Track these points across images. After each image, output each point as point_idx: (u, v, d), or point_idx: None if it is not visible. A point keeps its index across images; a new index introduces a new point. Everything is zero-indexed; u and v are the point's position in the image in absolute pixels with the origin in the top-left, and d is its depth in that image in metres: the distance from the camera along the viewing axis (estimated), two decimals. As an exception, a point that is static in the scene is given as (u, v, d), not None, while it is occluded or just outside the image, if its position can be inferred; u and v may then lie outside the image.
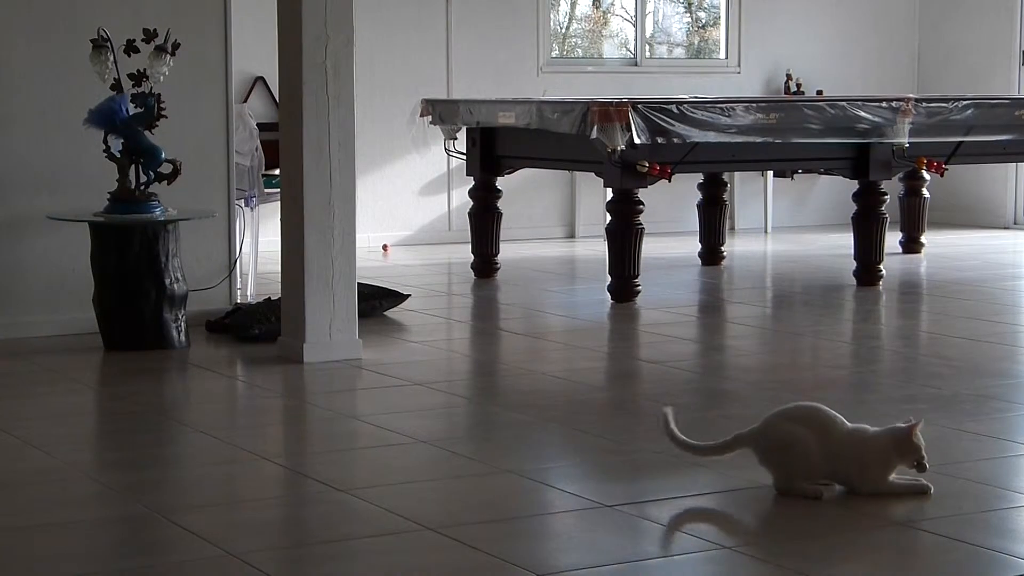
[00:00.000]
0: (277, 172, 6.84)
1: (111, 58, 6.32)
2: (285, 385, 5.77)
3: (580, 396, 5.56)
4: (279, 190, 6.32)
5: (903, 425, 4.00)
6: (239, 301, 7.20)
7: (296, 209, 6.05)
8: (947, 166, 8.55)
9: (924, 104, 8.23)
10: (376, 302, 7.22)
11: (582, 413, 5.24)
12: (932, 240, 10.14)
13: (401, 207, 10.59)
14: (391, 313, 7.30)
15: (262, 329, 6.48)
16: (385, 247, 10.30)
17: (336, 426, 5.10)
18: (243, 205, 7.63)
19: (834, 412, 4.06)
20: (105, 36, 6.33)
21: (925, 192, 9.96)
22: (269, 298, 6.83)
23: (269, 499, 4.19)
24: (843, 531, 3.76)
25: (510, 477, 4.28)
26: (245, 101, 9.61)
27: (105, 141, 6.34)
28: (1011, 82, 11.65)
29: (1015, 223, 11.68)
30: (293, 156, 6.06)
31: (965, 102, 8.39)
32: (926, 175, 9.58)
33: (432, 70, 10.54)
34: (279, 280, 6.32)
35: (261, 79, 9.83)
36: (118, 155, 6.35)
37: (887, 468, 3.99)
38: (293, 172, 6.07)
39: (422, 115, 8.87)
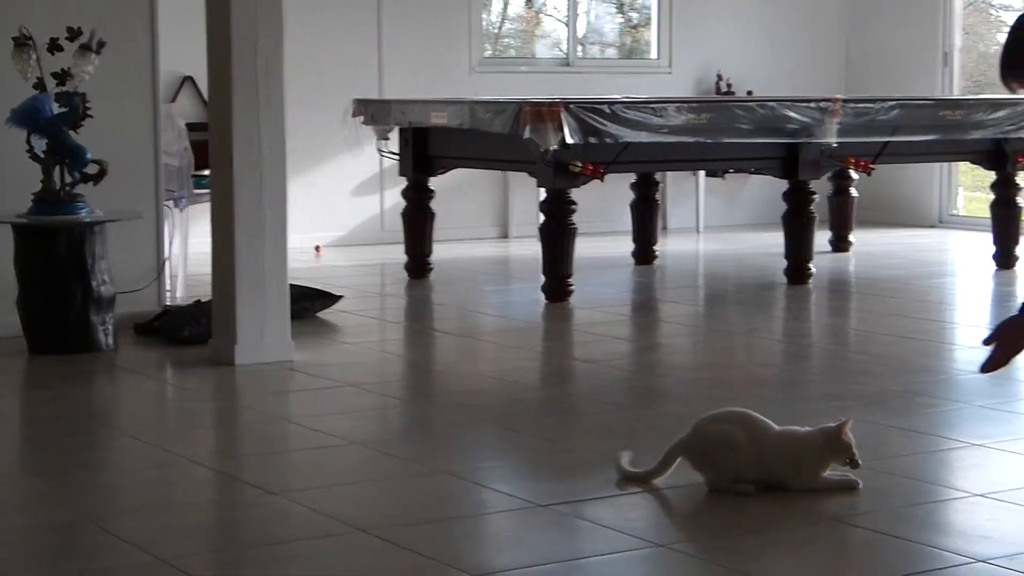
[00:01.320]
0: (207, 173, 6.80)
1: (34, 56, 6.23)
2: (216, 388, 5.73)
3: (515, 396, 5.56)
4: (209, 191, 6.28)
5: (834, 424, 4.04)
6: (168, 303, 7.15)
7: (226, 210, 6.01)
8: (874, 165, 8.62)
9: (851, 105, 8.29)
10: (308, 303, 7.19)
11: (517, 413, 5.24)
12: (860, 239, 10.22)
13: (334, 208, 10.55)
14: (324, 314, 7.28)
15: (192, 331, 6.43)
16: (318, 248, 10.25)
17: (269, 428, 5.07)
18: (172, 206, 7.58)
19: (762, 416, 4.09)
20: (27, 34, 6.25)
21: (853, 191, 10.05)
22: (199, 300, 6.79)
23: (201, 503, 4.17)
24: (775, 527, 3.78)
25: (445, 478, 4.27)
26: (173, 101, 9.55)
27: (28, 141, 6.26)
28: (935, 83, 11.77)
29: (940, 222, 11.79)
30: (223, 157, 6.02)
31: (891, 103, 8.46)
32: (854, 174, 9.66)
33: (364, 70, 10.52)
34: (209, 282, 6.28)
35: (190, 78, 9.76)
36: (42, 155, 6.27)
37: (821, 467, 4.03)
38: (223, 173, 6.03)
39: (354, 115, 8.84)
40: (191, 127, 8.13)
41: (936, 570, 3.50)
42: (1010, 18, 12.64)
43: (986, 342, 4.13)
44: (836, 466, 4.03)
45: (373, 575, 3.44)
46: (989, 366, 4.12)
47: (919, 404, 5.18)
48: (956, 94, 11.56)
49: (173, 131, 7.61)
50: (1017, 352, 4.09)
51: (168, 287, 7.32)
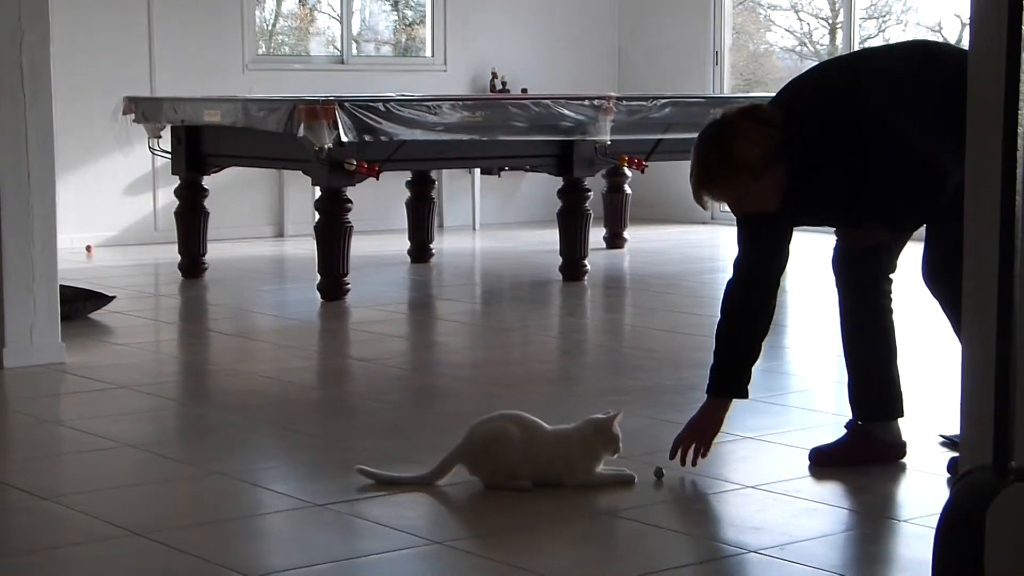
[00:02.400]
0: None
1: None
2: (-16, 392, 5.58)
3: (291, 396, 5.53)
4: (-26, 190, 6.10)
5: (601, 416, 4.09)
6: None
7: (-7, 210, 5.86)
8: (647, 163, 8.77)
9: (624, 102, 8.43)
10: (79, 304, 7.04)
11: (294, 413, 5.21)
12: (634, 236, 10.40)
13: (105, 207, 10.35)
14: (96, 316, 7.13)
15: (-42, 334, 6.25)
16: (89, 248, 10.05)
17: (39, 432, 4.95)
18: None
19: (533, 417, 4.12)
20: None
21: (627, 188, 10.21)
22: (-35, 302, 6.60)
23: (-32, 510, 4.05)
24: (552, 523, 3.82)
25: (220, 479, 4.23)
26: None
27: None
28: (706, 81, 12.03)
29: (712, 218, 12.05)
30: (-11, 155, 5.86)
31: (663, 101, 8.62)
32: (628, 172, 9.81)
33: (135, 67, 10.33)
34: (-24, 283, 6.10)
35: (-47, 75, 9.48)
36: None
37: (595, 460, 4.08)
38: (-11, 172, 5.87)
39: (125, 113, 8.69)
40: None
41: (709, 561, 3.58)
42: (779, 18, 13.00)
43: (675, 454, 4.24)
44: (607, 457, 4.09)
45: (148, 580, 3.39)
46: (688, 460, 4.24)
47: (692, 398, 5.26)
48: (727, 92, 11.83)
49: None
50: (711, 438, 4.24)
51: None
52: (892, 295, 4.34)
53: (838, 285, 4.36)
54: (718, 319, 4.28)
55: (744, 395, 4.26)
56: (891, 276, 4.33)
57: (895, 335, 4.34)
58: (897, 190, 3.99)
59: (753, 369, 4.26)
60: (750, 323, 4.21)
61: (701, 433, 4.24)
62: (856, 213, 4.10)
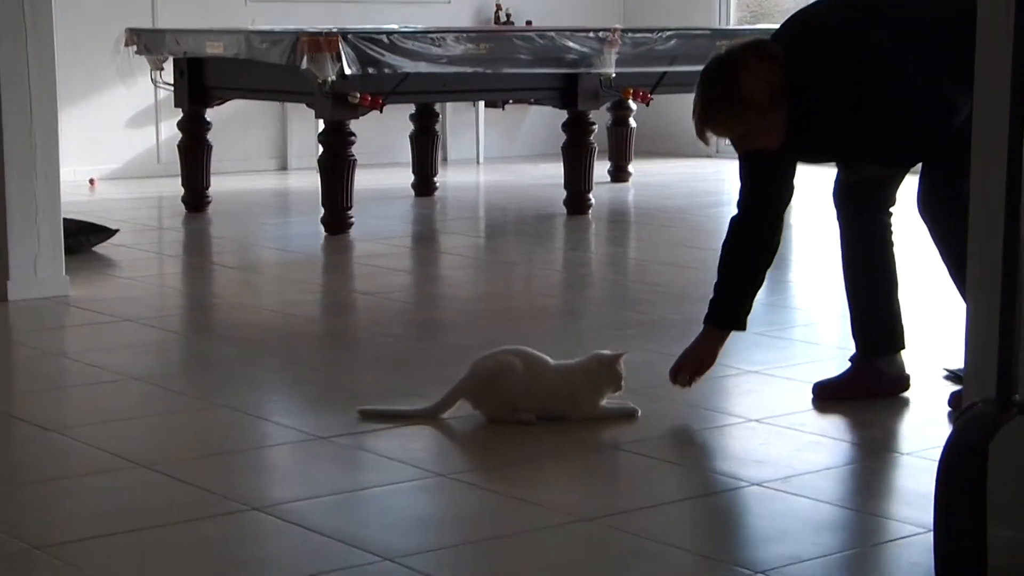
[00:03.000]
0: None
1: None
2: (-12, 324, 5.59)
3: (295, 329, 5.53)
4: (-24, 123, 6.08)
5: (608, 352, 4.09)
6: (-63, 238, 6.93)
7: (-5, 142, 5.84)
8: (652, 96, 8.73)
9: (629, 34, 8.38)
10: (83, 237, 7.04)
11: (297, 346, 5.21)
12: (639, 169, 10.37)
13: (108, 140, 10.32)
14: (100, 249, 7.13)
15: (-38, 267, 6.25)
16: (92, 181, 10.03)
17: (43, 365, 4.96)
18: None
19: (538, 351, 4.12)
20: None
21: (632, 122, 10.17)
22: (-31, 235, 6.59)
23: (-27, 442, 4.06)
24: (556, 456, 3.83)
25: (225, 412, 4.23)
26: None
27: None
28: (712, 14, 11.95)
29: (717, 152, 11.99)
30: (-10, 87, 5.84)
31: (668, 33, 8.56)
32: (632, 105, 9.77)
33: (136, -2, 10.29)
34: (-21, 216, 6.10)
35: (-45, 7, 9.43)
36: None
37: (598, 395, 4.08)
38: (-9, 104, 5.85)
39: (127, 45, 8.65)
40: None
41: (711, 494, 3.59)
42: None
43: (674, 379, 4.23)
44: (610, 394, 4.09)
45: (152, 510, 3.39)
46: (684, 382, 4.23)
47: (696, 332, 5.27)
48: (733, 24, 11.76)
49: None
50: (705, 371, 4.23)
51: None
52: (893, 228, 4.33)
53: (839, 219, 4.35)
54: (721, 252, 4.26)
55: (742, 327, 4.25)
56: (891, 209, 4.32)
57: (896, 268, 4.34)
58: (900, 125, 3.97)
59: (754, 302, 4.24)
60: (754, 257, 4.21)
61: (696, 366, 4.23)
62: (858, 149, 4.08)
